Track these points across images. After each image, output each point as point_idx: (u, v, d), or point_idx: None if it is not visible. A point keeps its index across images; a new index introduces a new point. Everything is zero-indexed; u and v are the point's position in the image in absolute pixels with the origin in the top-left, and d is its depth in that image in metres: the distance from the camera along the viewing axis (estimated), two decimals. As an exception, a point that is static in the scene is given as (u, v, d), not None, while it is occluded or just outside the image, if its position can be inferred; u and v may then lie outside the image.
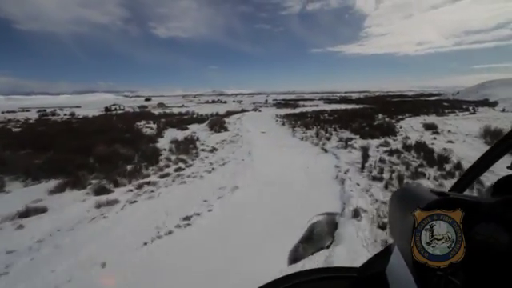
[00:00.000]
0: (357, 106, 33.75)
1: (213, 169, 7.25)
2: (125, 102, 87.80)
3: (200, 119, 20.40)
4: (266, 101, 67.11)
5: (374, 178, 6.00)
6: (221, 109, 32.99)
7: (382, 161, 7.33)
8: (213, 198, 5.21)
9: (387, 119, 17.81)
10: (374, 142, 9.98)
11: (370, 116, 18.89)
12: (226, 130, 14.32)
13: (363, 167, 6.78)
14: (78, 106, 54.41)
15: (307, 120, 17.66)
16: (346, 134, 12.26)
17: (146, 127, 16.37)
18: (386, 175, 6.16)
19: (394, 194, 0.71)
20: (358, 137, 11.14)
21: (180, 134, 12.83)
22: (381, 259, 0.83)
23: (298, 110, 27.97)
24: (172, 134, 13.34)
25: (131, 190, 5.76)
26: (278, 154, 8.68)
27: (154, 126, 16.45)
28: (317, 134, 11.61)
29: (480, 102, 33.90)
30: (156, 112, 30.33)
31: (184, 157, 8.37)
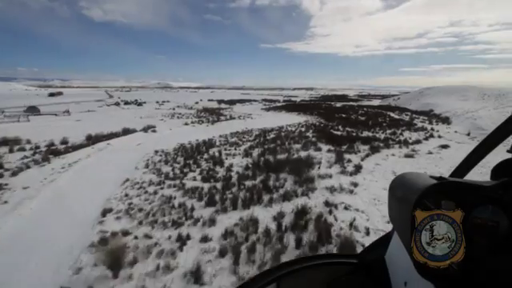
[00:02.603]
0: (297, 120, 26.38)
1: None
2: (28, 97, 66.21)
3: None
4: (201, 101, 56.70)
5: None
6: (82, 127, 21.74)
7: None
8: None
9: (335, 169, 10.05)
10: None
11: (307, 161, 10.85)
12: None
13: None
14: None
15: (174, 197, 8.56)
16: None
17: None
18: None
19: (394, 180, 0.69)
20: None
21: None
22: (380, 245, 0.86)
23: (205, 135, 18.86)
24: None
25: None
26: None
27: None
28: None
29: (426, 113, 30.40)
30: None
31: None
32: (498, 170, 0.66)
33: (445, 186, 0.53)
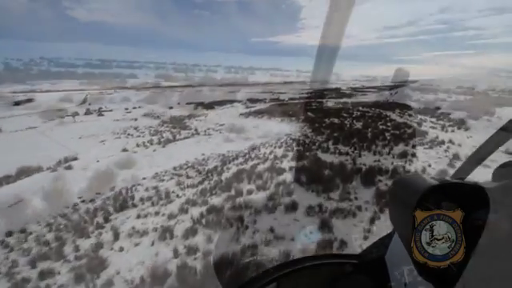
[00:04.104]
0: (277, 131, 21.08)
1: None
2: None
3: None
4: (178, 104, 51.03)
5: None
6: None
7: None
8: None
9: None
10: None
11: (260, 264, 5.72)
12: None
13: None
14: None
15: None
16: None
17: None
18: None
19: (395, 182, 0.67)
20: None
21: None
22: (380, 246, 0.85)
23: (135, 174, 13.55)
24: None
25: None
26: None
27: None
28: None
29: (432, 113, 25.67)
30: None
31: None
32: (500, 172, 0.65)
33: (446, 188, 0.53)
